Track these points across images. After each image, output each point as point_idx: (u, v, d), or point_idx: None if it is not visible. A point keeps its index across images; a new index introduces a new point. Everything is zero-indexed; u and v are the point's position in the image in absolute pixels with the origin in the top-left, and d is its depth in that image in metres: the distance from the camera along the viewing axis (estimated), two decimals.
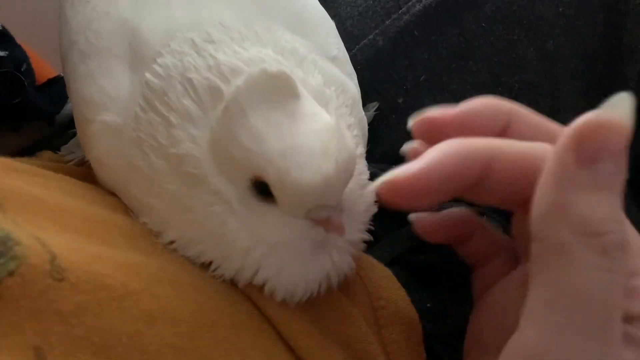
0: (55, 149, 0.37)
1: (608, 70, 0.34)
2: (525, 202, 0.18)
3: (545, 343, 0.16)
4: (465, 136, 0.19)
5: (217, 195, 0.22)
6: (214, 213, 0.22)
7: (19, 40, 0.44)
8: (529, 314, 0.17)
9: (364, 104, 0.31)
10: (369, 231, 0.25)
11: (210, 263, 0.23)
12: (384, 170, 0.34)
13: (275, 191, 0.21)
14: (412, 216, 0.23)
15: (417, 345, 0.27)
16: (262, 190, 0.21)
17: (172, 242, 0.24)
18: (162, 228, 0.24)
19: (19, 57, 0.38)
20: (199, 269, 0.23)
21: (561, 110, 0.34)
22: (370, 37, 0.35)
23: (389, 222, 0.29)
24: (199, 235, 0.23)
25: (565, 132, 0.16)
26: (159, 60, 0.24)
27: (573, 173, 0.16)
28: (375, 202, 0.24)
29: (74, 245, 0.21)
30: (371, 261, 0.29)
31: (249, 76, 0.21)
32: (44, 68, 0.51)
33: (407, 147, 0.21)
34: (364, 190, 0.24)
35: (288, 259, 0.23)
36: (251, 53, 0.23)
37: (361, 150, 0.26)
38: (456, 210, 0.23)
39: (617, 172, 0.16)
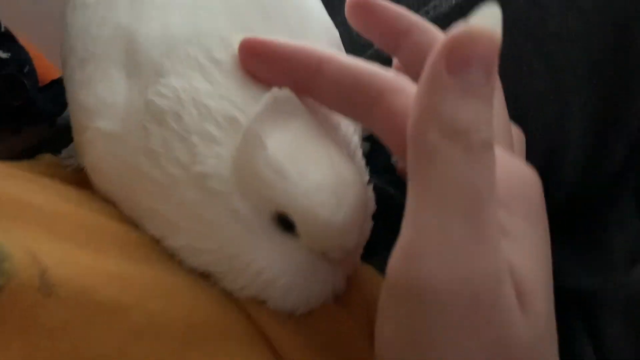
0: (56, 151, 0.37)
1: (614, 83, 0.34)
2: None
3: (419, 238, 0.17)
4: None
5: (237, 213, 0.22)
6: (232, 230, 0.22)
7: (24, 40, 0.44)
8: (405, 216, 0.18)
9: None
10: (369, 242, 0.25)
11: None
12: (387, 181, 0.34)
13: (298, 227, 0.22)
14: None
15: None
16: (282, 221, 0.22)
17: (173, 249, 0.24)
18: (168, 234, 0.24)
19: (21, 58, 0.38)
20: (195, 278, 0.23)
21: (569, 119, 0.34)
22: (376, 47, 0.35)
23: (388, 232, 0.29)
24: (210, 247, 0.23)
25: (440, 41, 0.16)
26: (163, 80, 0.24)
27: (444, 79, 0.16)
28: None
29: (67, 256, 0.21)
30: (371, 272, 0.29)
31: (261, 106, 0.22)
32: (49, 69, 0.52)
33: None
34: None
35: (297, 282, 0.23)
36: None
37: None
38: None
39: (486, 81, 0.16)
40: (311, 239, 0.22)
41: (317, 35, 0.28)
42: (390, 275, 0.18)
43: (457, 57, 0.16)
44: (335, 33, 0.30)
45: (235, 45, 0.24)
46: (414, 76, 0.20)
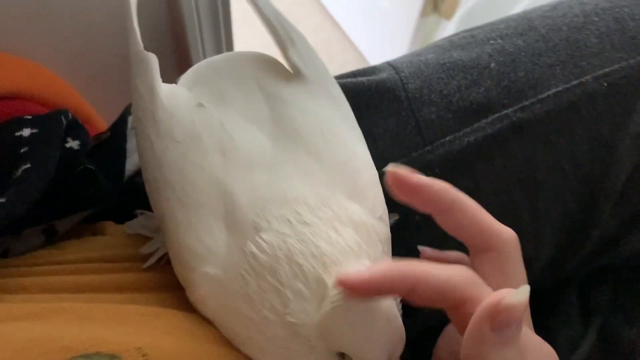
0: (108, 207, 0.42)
1: (578, 229, 0.42)
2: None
3: None
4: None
5: (315, 349, 0.29)
6: (309, 358, 0.29)
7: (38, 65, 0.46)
8: None
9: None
10: None
11: None
12: None
13: None
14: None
15: None
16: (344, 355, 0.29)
17: None
18: (260, 356, 0.30)
19: (87, 142, 0.42)
20: None
21: (541, 248, 0.43)
22: (398, 162, 0.42)
23: None
24: None
25: (484, 304, 0.23)
26: (263, 235, 0.29)
27: (487, 335, 0.23)
28: None
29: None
30: None
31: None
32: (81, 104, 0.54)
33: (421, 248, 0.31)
34: None
35: None
36: (342, 241, 0.29)
37: None
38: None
39: (517, 333, 0.23)
40: None
41: (366, 189, 0.34)
42: None
43: (500, 320, 0.23)
44: (378, 184, 0.35)
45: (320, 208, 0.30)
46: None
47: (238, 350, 0.31)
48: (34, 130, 0.39)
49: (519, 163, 0.40)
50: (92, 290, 0.33)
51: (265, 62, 0.37)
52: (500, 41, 0.43)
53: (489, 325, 0.23)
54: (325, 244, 0.29)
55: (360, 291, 0.24)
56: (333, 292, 0.28)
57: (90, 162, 0.42)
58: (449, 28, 1.28)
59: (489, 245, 0.28)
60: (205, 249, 0.30)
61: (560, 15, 0.43)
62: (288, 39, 0.36)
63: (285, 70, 0.36)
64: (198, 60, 0.69)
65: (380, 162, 0.37)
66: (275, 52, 0.38)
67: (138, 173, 0.46)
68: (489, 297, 0.23)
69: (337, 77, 0.47)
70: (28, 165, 0.37)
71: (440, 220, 0.29)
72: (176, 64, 0.70)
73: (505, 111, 0.40)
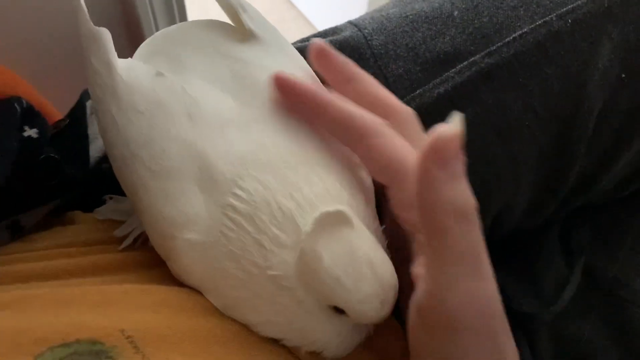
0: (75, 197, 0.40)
1: (553, 168, 0.42)
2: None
3: (443, 287, 0.24)
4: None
5: (303, 303, 0.28)
6: (298, 313, 0.29)
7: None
8: (426, 273, 0.25)
9: None
10: None
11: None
12: None
13: (350, 317, 0.29)
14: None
15: None
16: (336, 308, 0.29)
17: (252, 324, 0.30)
18: (249, 313, 0.30)
19: (46, 130, 0.40)
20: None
21: (519, 191, 0.43)
22: None
23: None
24: (281, 322, 0.29)
25: (424, 146, 0.23)
26: (242, 184, 0.29)
27: (436, 174, 0.23)
28: None
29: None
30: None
31: (315, 221, 0.27)
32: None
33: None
34: None
35: (344, 342, 0.30)
36: (322, 185, 0.29)
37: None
38: None
39: (462, 166, 0.23)
40: (359, 322, 0.29)
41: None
42: (420, 316, 0.26)
43: (443, 155, 0.23)
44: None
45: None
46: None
47: (229, 320, 0.30)
48: None
49: (491, 109, 0.40)
50: (68, 275, 0.32)
51: (221, 27, 0.36)
52: None
53: (435, 165, 0.23)
54: (306, 185, 0.29)
55: (283, 88, 0.30)
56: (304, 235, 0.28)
57: (52, 150, 0.40)
58: None
59: (386, 113, 0.31)
60: (184, 216, 0.30)
61: None
62: (239, 5, 0.35)
63: (241, 34, 0.36)
64: None
65: None
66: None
67: (104, 159, 0.44)
68: (425, 139, 0.23)
69: (298, 42, 0.46)
70: None
71: (343, 90, 0.32)
72: (130, 46, 0.68)
73: (473, 58, 0.40)
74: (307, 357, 0.31)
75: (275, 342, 0.31)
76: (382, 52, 0.42)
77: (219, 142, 0.31)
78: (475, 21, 0.40)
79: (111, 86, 0.32)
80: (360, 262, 0.28)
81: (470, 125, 0.40)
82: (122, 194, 0.35)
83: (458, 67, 0.40)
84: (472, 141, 0.40)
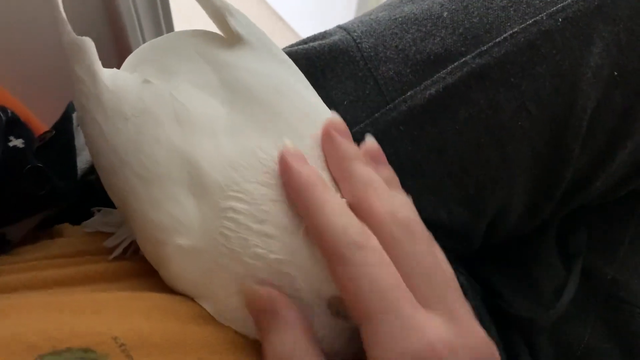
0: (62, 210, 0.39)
1: (548, 169, 0.42)
2: None
3: None
4: None
5: (299, 291, 0.28)
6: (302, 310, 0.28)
7: None
8: None
9: None
10: None
11: None
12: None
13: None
14: None
15: None
16: (331, 306, 0.28)
17: None
18: (245, 320, 0.29)
19: (31, 139, 0.39)
20: None
21: (514, 192, 0.42)
22: (362, 125, 0.40)
23: None
24: None
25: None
26: (236, 187, 0.29)
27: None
28: None
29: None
30: None
31: None
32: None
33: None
34: None
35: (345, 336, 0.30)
36: None
37: None
38: None
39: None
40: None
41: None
42: None
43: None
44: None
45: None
46: None
47: (224, 328, 0.30)
48: None
49: (483, 110, 0.39)
50: (57, 285, 0.31)
51: (207, 35, 0.36)
52: None
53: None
54: None
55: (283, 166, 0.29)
56: None
57: (38, 162, 0.39)
58: None
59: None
60: (174, 221, 0.29)
61: None
62: (225, 9, 0.35)
63: (228, 40, 0.35)
64: None
65: None
66: None
67: (91, 170, 0.43)
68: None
69: (288, 47, 0.46)
70: None
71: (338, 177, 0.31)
72: (116, 57, 0.67)
73: (464, 59, 0.40)
74: None
75: None
76: (372, 54, 0.41)
77: (209, 146, 0.30)
78: (466, 22, 0.40)
79: (95, 95, 0.31)
80: None
81: (463, 127, 0.40)
82: (110, 205, 0.34)
83: (449, 67, 0.40)
84: (465, 143, 0.40)
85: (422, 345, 0.24)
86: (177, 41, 0.36)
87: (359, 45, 0.42)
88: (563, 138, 0.40)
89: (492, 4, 0.40)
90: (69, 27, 0.32)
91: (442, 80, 0.40)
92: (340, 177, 0.30)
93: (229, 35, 0.35)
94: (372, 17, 0.44)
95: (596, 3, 0.39)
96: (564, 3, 0.39)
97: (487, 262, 0.51)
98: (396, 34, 0.41)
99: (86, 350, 0.24)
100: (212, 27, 0.37)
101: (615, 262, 0.47)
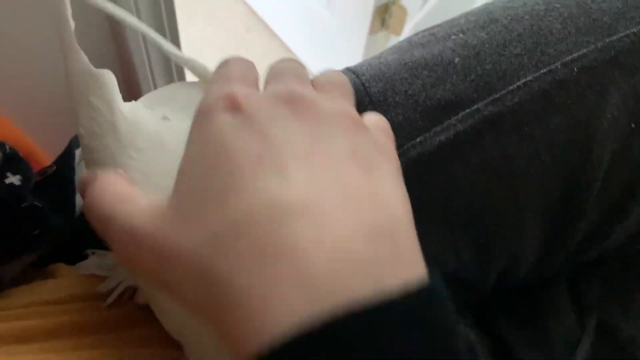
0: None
1: (564, 222, 0.41)
2: None
3: None
4: None
5: None
6: None
7: None
8: None
9: None
10: None
11: None
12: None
13: None
14: None
15: None
16: None
17: None
18: None
19: (29, 176, 0.38)
20: None
21: (527, 252, 0.41)
22: None
23: None
24: None
25: None
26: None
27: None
28: None
29: None
30: None
31: None
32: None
33: None
34: None
35: None
36: None
37: None
38: None
39: None
40: None
41: None
42: None
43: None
44: None
45: None
46: None
47: None
48: None
49: (495, 158, 0.38)
50: (47, 337, 0.29)
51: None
52: (462, 35, 0.41)
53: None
54: None
55: None
56: None
57: (36, 198, 0.38)
58: None
59: None
60: None
61: (521, 5, 0.41)
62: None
63: None
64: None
65: None
66: None
67: None
68: None
69: None
70: None
71: None
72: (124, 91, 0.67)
73: (476, 106, 0.39)
74: None
75: None
76: (381, 99, 0.40)
77: None
78: (478, 68, 0.39)
79: (111, 122, 0.32)
80: None
81: (474, 174, 0.39)
82: (106, 247, 0.33)
83: (460, 114, 0.39)
84: (476, 190, 0.39)
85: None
86: (190, 89, 0.37)
87: (368, 89, 0.41)
88: (577, 189, 0.39)
89: (505, 50, 0.39)
90: (84, 58, 0.32)
91: (453, 127, 0.39)
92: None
93: None
94: (381, 60, 0.43)
95: (612, 53, 0.38)
96: (580, 52, 0.38)
97: (497, 312, 0.49)
98: (406, 78, 0.40)
99: None
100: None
101: (632, 318, 0.45)
